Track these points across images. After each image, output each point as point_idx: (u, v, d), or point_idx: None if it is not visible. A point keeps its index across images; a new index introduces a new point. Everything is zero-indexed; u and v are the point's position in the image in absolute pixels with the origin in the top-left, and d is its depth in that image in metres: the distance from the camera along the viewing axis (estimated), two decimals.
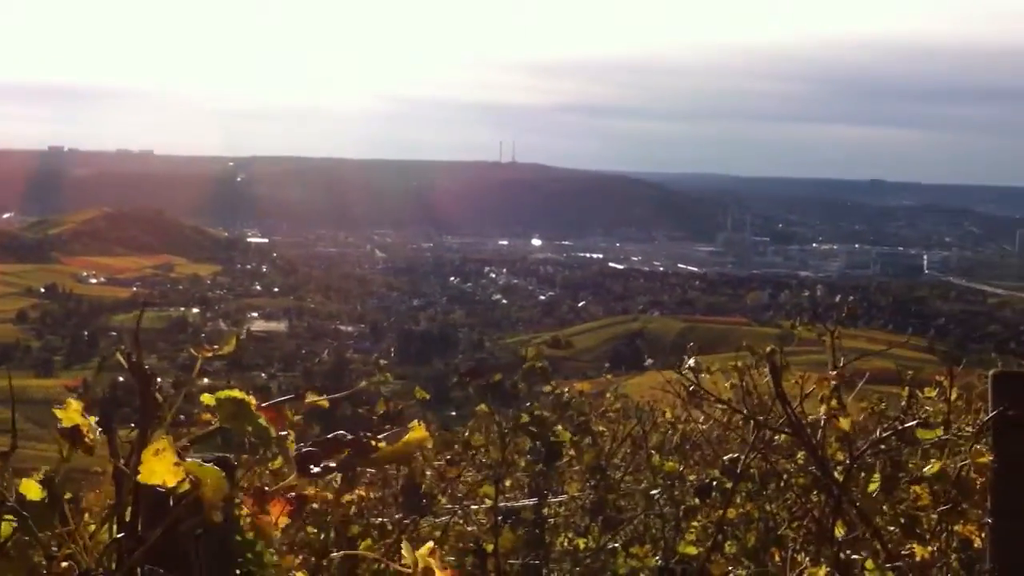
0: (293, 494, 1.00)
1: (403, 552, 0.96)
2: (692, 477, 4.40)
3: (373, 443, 1.06)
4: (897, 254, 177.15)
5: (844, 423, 2.65)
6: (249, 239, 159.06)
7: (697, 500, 3.37)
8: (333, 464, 1.04)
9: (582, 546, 4.33)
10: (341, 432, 1.06)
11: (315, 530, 2.87)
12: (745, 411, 2.70)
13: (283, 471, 1.08)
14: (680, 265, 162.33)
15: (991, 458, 2.69)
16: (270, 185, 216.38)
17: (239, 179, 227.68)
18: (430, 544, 0.99)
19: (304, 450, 1.04)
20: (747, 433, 3.16)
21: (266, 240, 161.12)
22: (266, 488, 0.96)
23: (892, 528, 3.76)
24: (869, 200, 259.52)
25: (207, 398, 1.01)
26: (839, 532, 3.46)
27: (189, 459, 0.99)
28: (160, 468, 0.97)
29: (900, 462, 3.73)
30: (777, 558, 3.67)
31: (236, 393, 1.00)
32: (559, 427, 3.50)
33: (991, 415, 2.72)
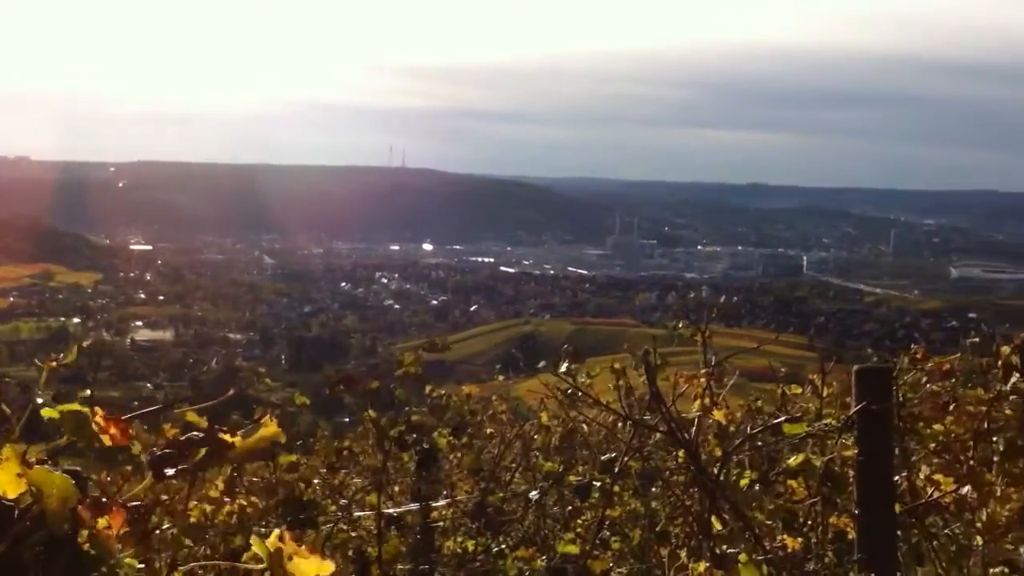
0: (137, 503, 0.98)
1: (252, 544, 0.96)
2: (575, 478, 4.44)
3: (228, 440, 1.05)
4: (778, 255, 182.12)
5: (719, 415, 2.72)
6: (132, 246, 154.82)
7: (578, 500, 3.41)
8: (187, 466, 1.03)
9: (471, 549, 4.34)
10: (194, 432, 1.04)
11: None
12: (622, 411, 2.75)
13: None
14: (570, 268, 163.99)
15: (856, 451, 2.78)
16: (154, 191, 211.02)
17: (121, 185, 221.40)
18: (276, 531, 0.98)
19: (159, 453, 1.02)
20: (625, 433, 3.22)
21: (150, 247, 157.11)
22: (103, 498, 0.94)
23: (770, 522, 3.87)
24: (751, 203, 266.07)
25: (48, 412, 0.99)
26: (716, 527, 3.54)
27: (38, 468, 0.97)
28: (2, 478, 0.94)
29: (775, 457, 3.84)
30: (662, 554, 3.74)
31: (75, 406, 0.97)
32: (438, 431, 3.51)
33: (855, 409, 2.81)
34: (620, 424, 3.68)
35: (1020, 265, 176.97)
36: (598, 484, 3.76)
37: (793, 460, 3.31)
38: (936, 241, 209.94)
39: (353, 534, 3.91)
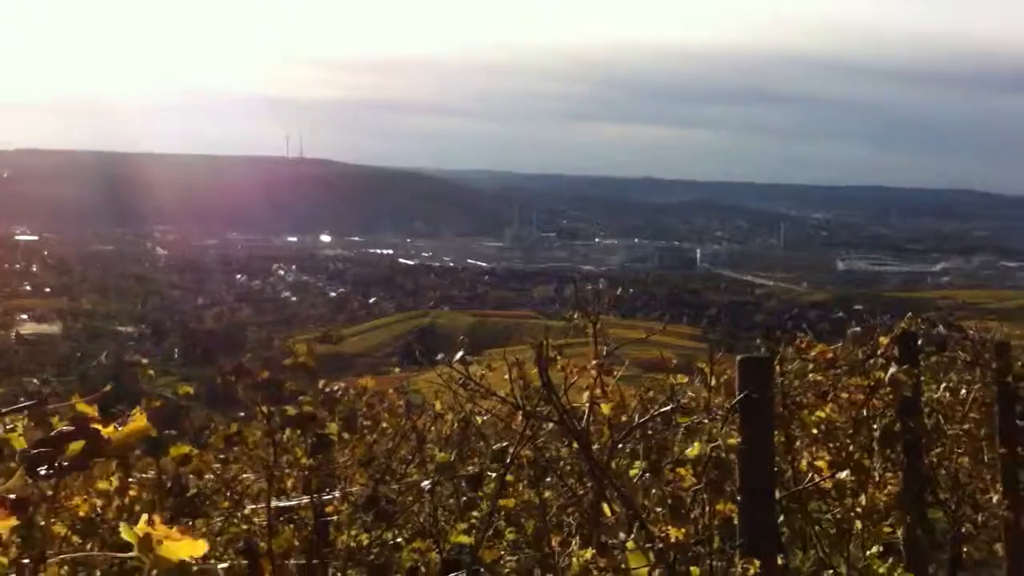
0: (13, 496, 0.97)
1: (121, 532, 0.96)
2: (471, 468, 4.47)
3: (103, 434, 1.04)
4: (673, 248, 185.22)
5: (605, 409, 2.78)
6: (17, 237, 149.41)
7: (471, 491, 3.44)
8: (66, 463, 1.02)
9: (366, 542, 4.33)
10: (67, 426, 1.03)
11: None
12: (514, 402, 2.78)
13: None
14: (469, 260, 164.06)
15: (739, 438, 2.87)
16: (40, 180, 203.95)
17: (4, 174, 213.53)
18: (145, 515, 0.99)
19: (34, 449, 1.01)
20: (519, 424, 3.26)
21: (36, 238, 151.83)
22: None
23: (660, 509, 3.96)
24: (646, 197, 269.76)
25: None
26: (607, 515, 3.61)
27: None
28: None
29: (664, 445, 3.93)
30: (554, 543, 3.80)
31: None
32: (329, 423, 3.50)
33: (738, 398, 2.90)
34: (515, 415, 3.71)
35: (903, 258, 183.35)
36: (492, 474, 3.80)
37: (691, 451, 3.39)
38: (824, 235, 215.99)
39: (245, 527, 3.87)
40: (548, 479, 4.79)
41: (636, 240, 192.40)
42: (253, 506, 3.97)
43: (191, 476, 3.16)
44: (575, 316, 3.93)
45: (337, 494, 3.64)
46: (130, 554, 0.95)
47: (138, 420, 1.10)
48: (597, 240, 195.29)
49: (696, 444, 3.18)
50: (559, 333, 3.53)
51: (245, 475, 4.05)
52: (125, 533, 0.97)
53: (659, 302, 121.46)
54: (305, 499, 3.45)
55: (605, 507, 3.47)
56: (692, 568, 3.36)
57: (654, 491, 3.84)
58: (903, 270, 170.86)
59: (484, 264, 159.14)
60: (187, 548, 0.99)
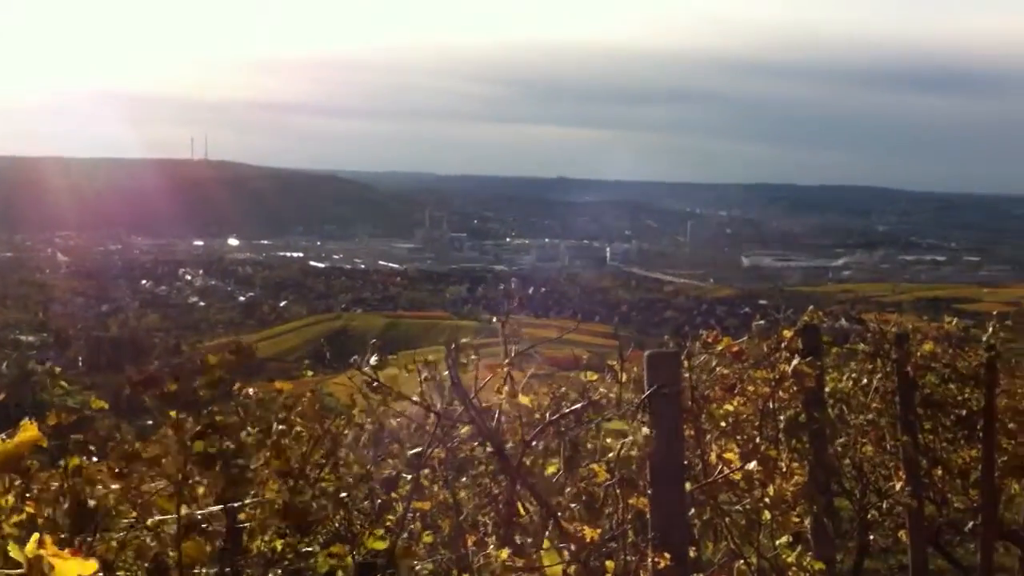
0: None
1: (10, 552, 0.93)
2: (387, 472, 4.45)
3: None
4: (583, 247, 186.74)
5: (524, 400, 2.80)
6: None
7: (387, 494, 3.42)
8: None
9: (279, 549, 4.28)
10: None
11: None
12: (426, 404, 2.78)
13: None
14: (381, 262, 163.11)
15: (649, 432, 2.91)
16: None
17: None
18: (36, 535, 0.96)
19: None
20: (432, 425, 3.25)
21: None
22: None
23: (575, 506, 3.99)
24: (557, 196, 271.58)
25: None
26: (522, 514, 3.63)
27: None
28: None
29: (578, 443, 3.96)
30: (471, 543, 3.80)
31: None
32: (244, 431, 3.45)
33: (647, 393, 2.94)
34: (428, 417, 3.71)
35: (806, 254, 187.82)
36: (409, 477, 3.78)
37: (612, 454, 3.42)
38: (730, 232, 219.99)
39: (153, 543, 3.78)
40: (464, 480, 4.79)
41: (547, 240, 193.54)
42: (159, 517, 3.89)
43: (90, 488, 3.08)
44: (494, 319, 3.95)
45: (250, 501, 3.58)
46: (19, 572, 0.92)
47: (28, 431, 1.07)
48: (509, 240, 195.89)
49: (609, 440, 3.21)
50: (473, 333, 3.54)
51: (152, 484, 3.97)
52: (13, 552, 0.94)
53: (571, 301, 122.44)
54: (216, 507, 3.40)
55: (522, 506, 3.49)
56: (608, 563, 3.40)
57: (569, 489, 3.88)
58: (805, 265, 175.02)
59: (396, 266, 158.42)
60: (77, 567, 0.96)
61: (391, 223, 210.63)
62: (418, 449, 2.94)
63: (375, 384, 2.83)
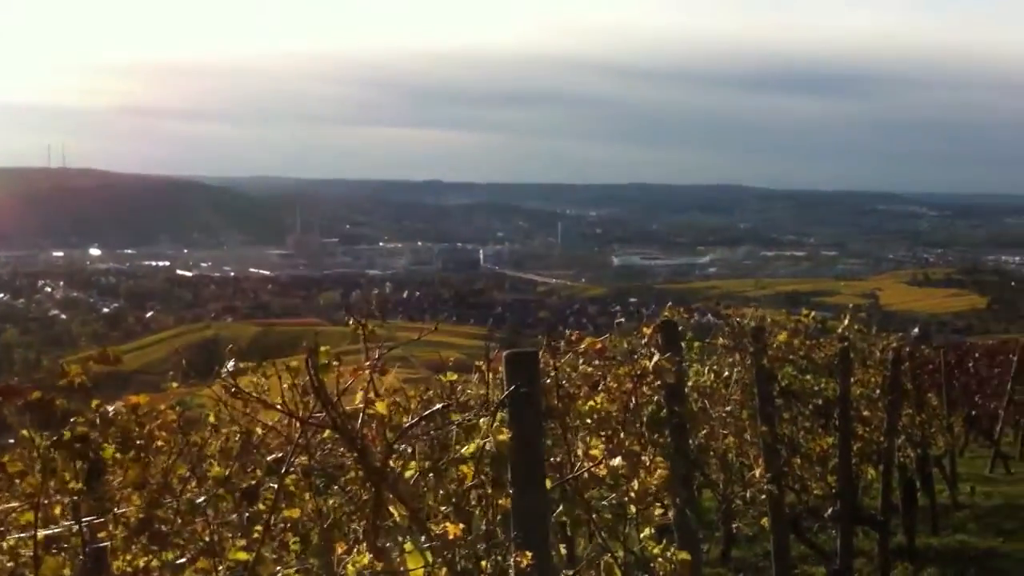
0: None
1: None
2: (253, 481, 4.38)
3: None
4: (456, 249, 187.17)
5: (380, 408, 2.79)
6: None
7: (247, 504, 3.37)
8: None
9: (143, 564, 4.17)
10: None
11: None
12: (287, 410, 2.76)
13: None
14: (252, 269, 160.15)
15: (509, 434, 2.95)
16: None
17: None
18: None
19: None
20: (295, 431, 3.22)
21: None
22: None
23: (444, 508, 4.00)
24: (428, 199, 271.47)
25: None
26: (394, 517, 3.62)
27: None
28: None
29: (446, 444, 3.97)
30: (340, 551, 3.77)
31: None
32: (103, 445, 3.35)
33: (506, 392, 2.98)
34: (293, 423, 3.67)
35: (672, 252, 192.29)
36: (274, 486, 3.73)
37: (466, 449, 3.44)
38: (599, 232, 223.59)
39: (10, 563, 3.65)
40: (336, 486, 4.75)
41: (420, 243, 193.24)
42: (19, 535, 3.75)
43: None
44: (367, 323, 3.93)
45: (109, 517, 3.49)
46: None
47: None
48: (381, 244, 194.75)
49: (472, 442, 3.24)
50: (348, 339, 3.52)
51: (8, 504, 3.82)
52: None
53: (445, 303, 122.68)
54: (75, 526, 3.30)
55: (390, 510, 3.48)
56: (482, 563, 3.42)
57: (440, 491, 3.89)
58: (673, 263, 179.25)
59: (267, 272, 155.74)
60: None
61: (261, 229, 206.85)
62: (278, 455, 2.90)
63: (235, 391, 2.80)
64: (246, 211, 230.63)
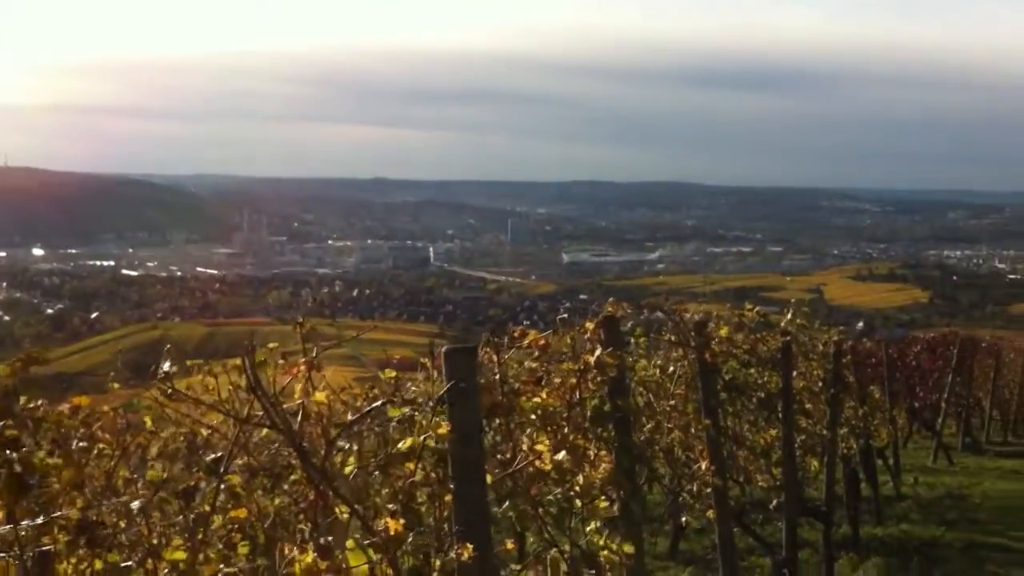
0: None
1: None
2: (193, 483, 4.34)
3: None
4: (406, 247, 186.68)
5: (318, 398, 2.78)
6: None
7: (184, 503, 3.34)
8: None
9: (85, 568, 4.12)
10: None
11: None
12: (225, 409, 2.73)
13: None
14: (199, 269, 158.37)
15: (448, 428, 2.95)
16: None
17: None
18: None
19: None
20: (231, 431, 3.20)
21: None
22: None
23: (391, 505, 3.99)
24: (377, 197, 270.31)
25: None
26: (336, 516, 3.60)
27: None
28: None
29: (391, 441, 3.96)
30: (287, 550, 3.75)
31: None
32: (37, 448, 3.30)
33: (445, 388, 2.98)
34: (232, 422, 3.64)
35: (621, 249, 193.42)
36: (217, 486, 3.70)
37: (403, 444, 3.44)
38: (549, 229, 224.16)
39: None
40: (286, 486, 4.72)
41: (370, 241, 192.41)
42: None
43: None
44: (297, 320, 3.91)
45: (44, 521, 3.43)
46: None
47: None
48: (330, 242, 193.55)
49: (410, 438, 3.24)
50: (296, 338, 3.49)
51: None
52: None
53: (396, 301, 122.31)
54: (8, 528, 3.24)
55: (337, 509, 3.47)
56: (434, 560, 3.42)
57: (387, 489, 3.88)
58: (622, 260, 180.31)
59: (215, 272, 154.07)
60: None
61: (207, 228, 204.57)
62: (218, 455, 2.88)
63: (171, 392, 2.77)
64: (192, 209, 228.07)
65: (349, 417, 3.62)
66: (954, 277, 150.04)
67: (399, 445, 3.13)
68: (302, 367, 2.74)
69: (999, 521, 11.20)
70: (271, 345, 3.07)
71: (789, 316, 7.74)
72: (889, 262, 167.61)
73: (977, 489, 13.11)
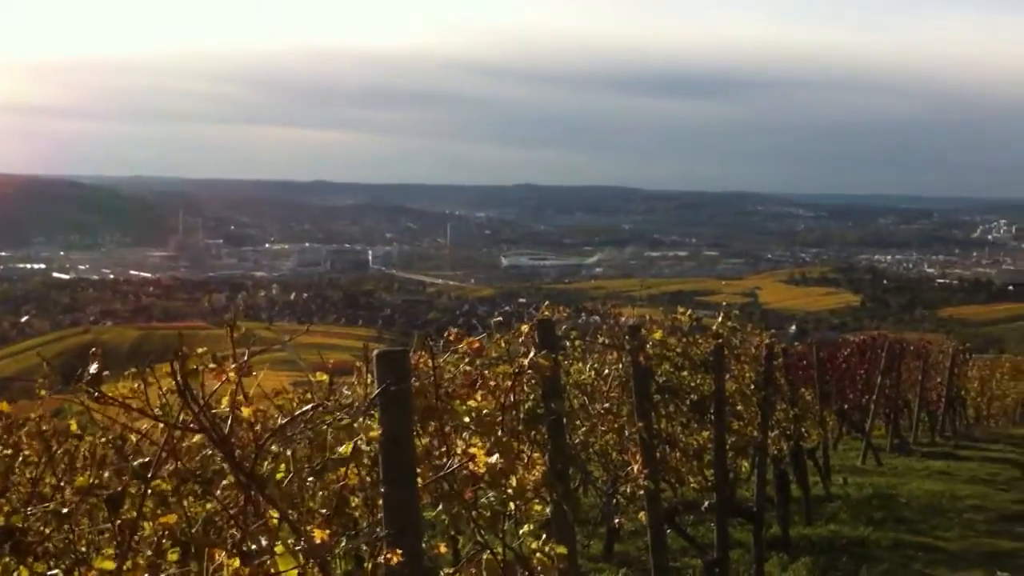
0: None
1: None
2: (120, 488, 4.29)
3: None
4: (345, 251, 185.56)
5: (246, 412, 2.77)
6: None
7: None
8: None
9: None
10: None
11: None
12: (154, 415, 2.71)
13: None
14: (132, 272, 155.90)
15: (380, 431, 2.96)
16: None
17: None
18: None
19: None
20: (159, 436, 3.17)
21: None
22: None
23: (324, 511, 3.99)
24: (315, 200, 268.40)
25: None
26: (268, 521, 3.59)
27: None
28: None
29: (323, 446, 3.96)
30: (218, 557, 3.72)
31: None
32: None
33: (377, 391, 2.99)
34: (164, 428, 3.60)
35: (560, 253, 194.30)
36: (148, 492, 3.66)
37: (344, 448, 3.44)
38: (488, 233, 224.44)
39: None
40: (218, 491, 4.69)
41: (308, 244, 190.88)
42: None
43: None
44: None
45: None
46: None
47: None
48: (268, 246, 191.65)
49: (347, 443, 3.24)
50: (237, 342, 3.46)
51: None
52: None
53: (335, 305, 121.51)
54: None
55: (268, 514, 3.46)
56: (367, 564, 3.42)
57: (321, 493, 3.87)
58: (560, 263, 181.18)
59: (149, 275, 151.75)
60: None
61: (141, 230, 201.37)
62: (145, 460, 2.86)
63: (98, 397, 2.74)
64: (126, 212, 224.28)
65: (280, 421, 3.62)
66: (884, 281, 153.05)
67: (337, 449, 3.13)
68: (231, 372, 2.73)
69: (925, 521, 11.46)
70: (200, 350, 3.06)
71: (720, 319, 7.84)
72: (821, 266, 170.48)
73: (904, 489, 13.39)
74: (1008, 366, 25.62)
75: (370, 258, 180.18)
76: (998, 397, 24.81)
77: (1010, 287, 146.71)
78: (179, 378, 2.47)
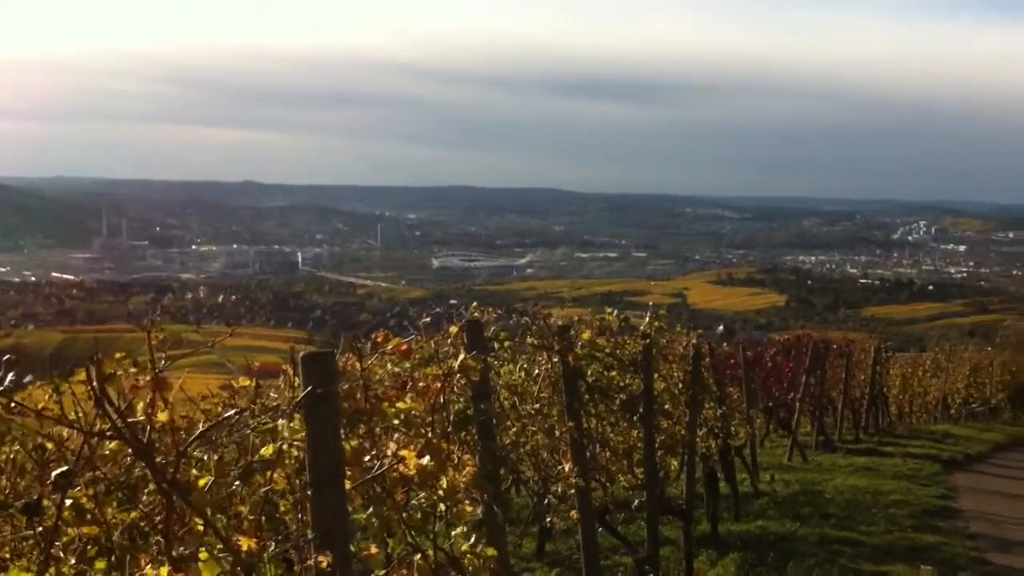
0: None
1: None
2: (36, 496, 4.18)
3: None
4: (274, 252, 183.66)
5: (162, 417, 2.71)
6: None
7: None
8: None
9: None
10: None
11: None
12: (70, 422, 2.64)
13: None
14: (55, 274, 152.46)
15: (304, 433, 2.92)
16: None
17: None
18: None
19: None
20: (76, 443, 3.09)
21: None
22: None
23: (252, 517, 3.92)
24: (244, 201, 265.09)
25: None
26: (195, 528, 3.52)
27: None
28: None
29: (250, 450, 3.89)
30: (143, 564, 3.65)
31: None
32: None
33: (303, 394, 2.95)
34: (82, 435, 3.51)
35: (491, 254, 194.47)
36: (67, 501, 3.57)
37: (264, 450, 3.39)
38: (419, 234, 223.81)
39: None
40: (144, 498, 4.59)
41: (236, 246, 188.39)
42: None
43: None
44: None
45: None
46: None
47: None
48: (195, 247, 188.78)
49: (270, 446, 3.19)
50: (158, 346, 3.38)
51: None
52: None
53: (264, 307, 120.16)
54: None
55: (193, 521, 3.39)
56: (296, 568, 3.36)
57: (252, 498, 3.80)
58: (492, 265, 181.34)
59: (71, 277, 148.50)
60: None
61: (64, 232, 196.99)
62: (64, 469, 2.78)
63: (13, 405, 2.66)
64: (48, 213, 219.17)
65: (201, 427, 3.55)
66: (809, 281, 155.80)
67: (263, 451, 3.08)
68: (147, 379, 2.66)
69: (850, 516, 11.67)
70: (118, 355, 2.99)
71: (648, 320, 7.90)
72: (748, 267, 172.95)
73: (830, 485, 13.63)
74: (928, 363, 26.21)
75: (300, 260, 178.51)
76: (919, 394, 25.38)
77: (930, 287, 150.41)
78: (95, 384, 2.40)
